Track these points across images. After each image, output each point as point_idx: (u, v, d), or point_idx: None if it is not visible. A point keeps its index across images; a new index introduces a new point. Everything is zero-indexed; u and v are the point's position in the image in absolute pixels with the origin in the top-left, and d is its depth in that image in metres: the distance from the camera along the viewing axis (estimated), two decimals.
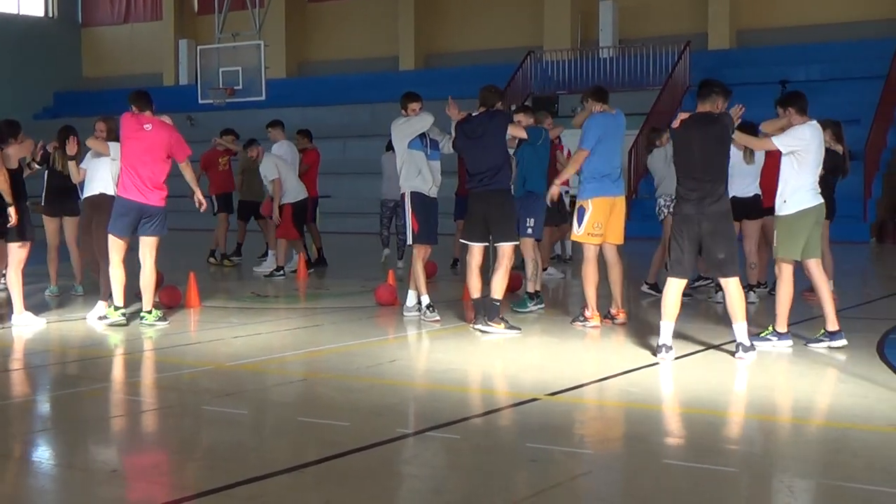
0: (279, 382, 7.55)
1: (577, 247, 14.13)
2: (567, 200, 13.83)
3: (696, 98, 8.25)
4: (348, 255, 18.02)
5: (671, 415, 6.57)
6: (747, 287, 10.22)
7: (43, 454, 5.70)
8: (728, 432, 6.14)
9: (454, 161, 10.75)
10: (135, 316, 9.97)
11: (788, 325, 8.48)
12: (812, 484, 5.03)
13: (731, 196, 8.37)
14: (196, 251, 17.21)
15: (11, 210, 9.57)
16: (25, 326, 9.70)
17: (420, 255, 10.15)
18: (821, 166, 8.59)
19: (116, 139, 10.02)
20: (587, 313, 9.54)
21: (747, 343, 7.94)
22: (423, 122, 10.03)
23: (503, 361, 8.38)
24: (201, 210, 10.12)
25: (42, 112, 34.71)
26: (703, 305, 10.99)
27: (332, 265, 15.67)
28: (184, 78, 33.70)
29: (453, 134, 9.82)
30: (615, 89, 24.09)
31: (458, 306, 10.92)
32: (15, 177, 9.98)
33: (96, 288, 10.46)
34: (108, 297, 9.90)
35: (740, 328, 7.96)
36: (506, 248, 9.51)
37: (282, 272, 14.21)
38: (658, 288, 11.59)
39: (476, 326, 9.33)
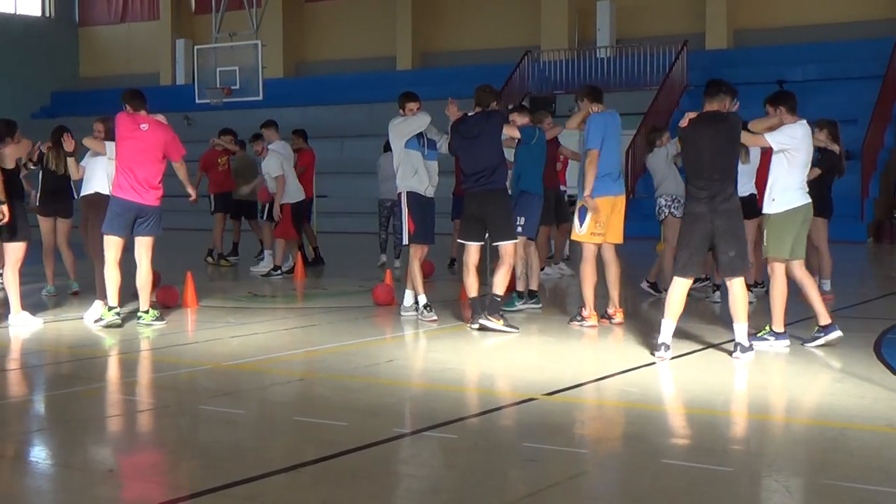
0: (276, 382, 7.55)
1: (574, 246, 14.20)
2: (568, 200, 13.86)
3: (703, 97, 8.20)
4: (346, 255, 18.02)
5: (668, 414, 6.57)
6: None
7: (40, 454, 5.70)
8: (725, 432, 6.14)
9: (452, 160, 10.74)
10: (132, 315, 9.97)
11: (785, 325, 8.49)
12: (809, 483, 5.03)
13: None
14: (193, 251, 17.21)
15: (4, 208, 9.56)
16: (22, 326, 9.69)
17: (417, 254, 10.15)
18: (809, 166, 8.62)
19: (113, 139, 10.00)
20: (585, 313, 9.55)
21: (746, 343, 7.95)
22: (420, 121, 10.03)
23: (500, 361, 8.38)
24: (191, 202, 10.06)
25: (39, 111, 34.69)
26: (700, 305, 10.98)
27: (329, 265, 15.68)
28: (181, 78, 33.67)
29: (451, 136, 9.82)
30: (612, 89, 24.14)
31: (455, 306, 10.92)
32: (11, 177, 9.98)
33: (92, 286, 10.45)
34: (105, 297, 9.87)
35: (740, 328, 7.96)
36: (508, 247, 9.54)
37: (279, 272, 14.22)
38: (657, 287, 11.59)
39: (478, 320, 9.34)
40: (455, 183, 13.87)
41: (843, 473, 5.11)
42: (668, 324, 8.00)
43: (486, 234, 9.79)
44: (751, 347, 7.98)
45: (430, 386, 7.29)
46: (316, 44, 32.99)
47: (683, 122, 8.17)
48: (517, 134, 10.26)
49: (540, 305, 10.77)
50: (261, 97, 23.68)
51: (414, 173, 10.05)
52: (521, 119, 10.81)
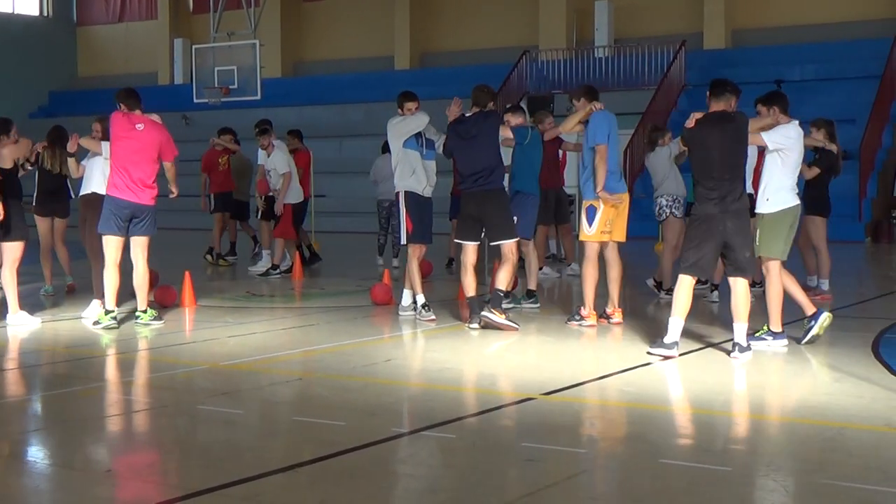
0: (274, 382, 7.54)
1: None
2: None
3: (708, 97, 8.17)
4: (344, 255, 18.01)
5: (667, 414, 6.56)
6: None
7: (38, 453, 5.69)
8: (724, 431, 6.14)
9: (450, 160, 10.73)
10: (130, 315, 9.96)
11: (783, 325, 8.50)
12: (807, 483, 5.02)
13: None
14: (191, 250, 17.21)
15: None
16: (20, 326, 9.68)
17: (416, 254, 10.16)
18: (800, 167, 8.64)
19: (109, 139, 9.98)
20: (584, 312, 9.54)
21: (744, 343, 7.95)
22: (418, 121, 10.04)
23: (499, 361, 8.38)
24: (173, 198, 10.00)
25: (37, 111, 34.69)
26: (699, 304, 10.95)
27: (327, 265, 15.67)
28: (179, 77, 33.66)
29: (447, 136, 9.81)
30: (610, 89, 24.17)
31: (453, 306, 10.92)
32: (9, 176, 9.97)
33: (89, 285, 10.45)
34: (103, 295, 9.86)
35: (740, 328, 7.96)
36: (510, 246, 9.57)
37: (276, 271, 14.22)
38: (661, 287, 11.57)
39: (481, 313, 9.35)
40: (454, 183, 13.86)
41: (841, 473, 5.11)
42: (677, 321, 8.00)
43: (483, 234, 9.81)
44: (749, 347, 7.98)
45: (429, 386, 7.29)
46: (314, 43, 32.98)
47: (690, 123, 8.13)
48: (510, 134, 10.25)
49: (538, 305, 10.77)
50: (259, 97, 23.68)
51: (412, 173, 10.05)
52: (515, 119, 10.81)
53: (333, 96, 30.15)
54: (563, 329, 9.51)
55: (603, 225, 9.41)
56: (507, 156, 10.21)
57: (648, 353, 8.09)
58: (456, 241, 10.27)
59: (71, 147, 10.37)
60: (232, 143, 15.95)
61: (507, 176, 10.18)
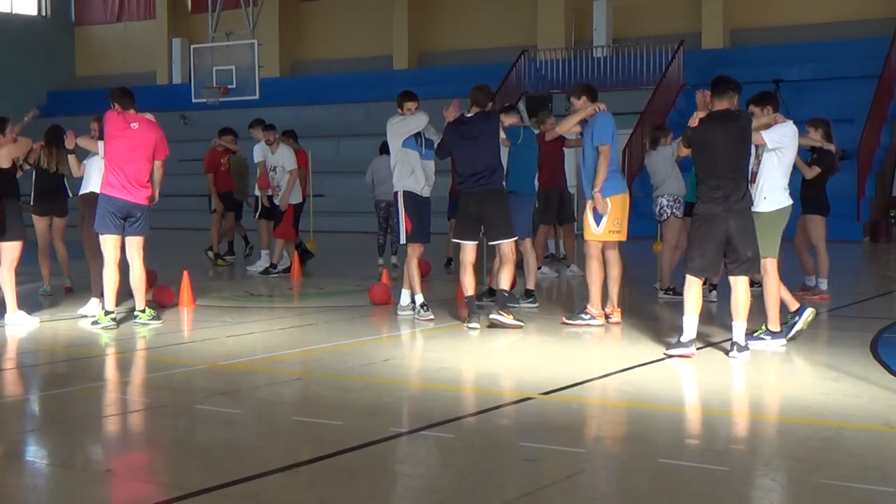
0: (273, 381, 7.54)
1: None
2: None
3: (710, 97, 8.15)
4: (343, 255, 18.01)
5: (665, 414, 6.56)
6: None
7: (36, 453, 5.70)
8: (722, 431, 6.14)
9: (448, 160, 10.73)
10: (129, 315, 9.95)
11: (781, 324, 8.50)
12: (805, 483, 5.03)
13: None
14: (190, 250, 17.20)
15: None
16: (18, 325, 9.67)
17: (415, 253, 10.16)
18: (792, 167, 8.66)
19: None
20: (593, 311, 9.52)
21: (742, 343, 7.95)
22: (418, 121, 10.04)
23: (497, 360, 8.38)
24: (151, 204, 9.93)
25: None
26: None
27: (326, 264, 15.67)
28: (177, 77, 33.63)
29: (445, 136, 9.80)
30: (609, 88, 24.14)
31: (451, 305, 10.92)
32: (6, 176, 9.96)
33: (87, 284, 10.44)
34: (101, 294, 9.85)
35: (739, 327, 7.96)
36: (510, 245, 9.60)
37: (276, 270, 14.23)
38: (675, 291, 11.53)
39: (489, 316, 9.35)
40: (452, 182, 13.85)
41: (839, 473, 5.11)
42: (691, 319, 8.00)
43: (482, 233, 9.82)
44: (747, 347, 7.98)
45: (427, 385, 7.29)
46: (312, 43, 32.96)
47: (693, 122, 8.12)
48: (503, 135, 10.25)
49: (537, 305, 10.77)
50: (257, 96, 23.67)
51: (411, 173, 10.05)
52: (509, 119, 10.80)
53: (332, 96, 30.13)
54: (561, 328, 9.50)
55: (611, 224, 9.41)
56: (503, 156, 10.21)
57: (666, 354, 8.05)
58: (454, 240, 10.27)
59: (69, 143, 10.36)
60: (233, 144, 15.95)
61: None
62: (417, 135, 10.07)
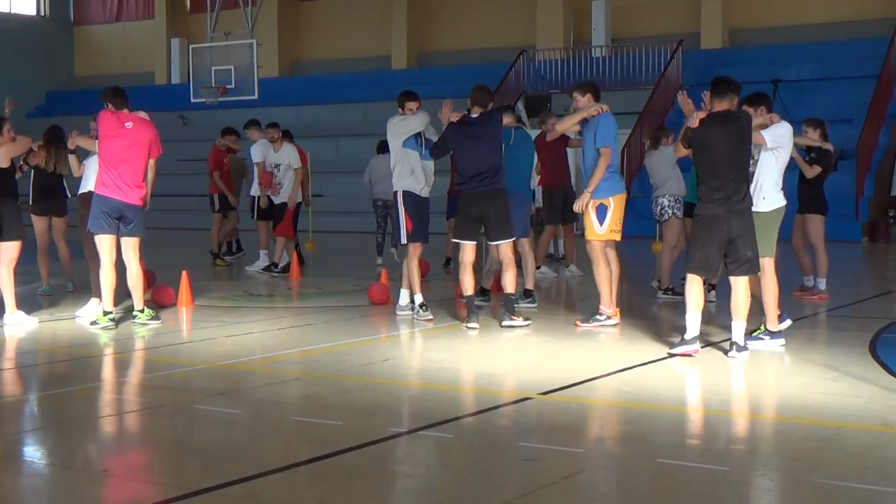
0: (272, 381, 7.54)
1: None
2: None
3: (710, 97, 8.15)
4: (341, 254, 18.01)
5: (664, 413, 6.56)
6: None
7: (35, 453, 5.69)
8: (721, 431, 6.14)
9: (448, 160, 10.73)
10: (128, 315, 9.95)
11: (780, 324, 8.51)
12: (804, 482, 5.02)
13: None
14: (190, 250, 17.19)
15: None
16: (17, 325, 9.67)
17: (415, 253, 10.16)
18: (785, 166, 8.67)
19: None
20: (606, 311, 9.50)
21: (741, 343, 7.95)
22: (419, 121, 10.04)
23: (496, 360, 8.37)
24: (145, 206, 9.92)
25: (34, 111, 34.62)
26: None
27: (325, 264, 15.66)
28: (176, 77, 33.63)
29: (447, 136, 9.79)
30: (608, 88, 24.09)
31: (450, 305, 10.92)
32: (5, 175, 9.95)
33: (88, 285, 10.43)
34: (100, 295, 9.83)
35: (739, 327, 7.96)
36: (509, 246, 9.63)
37: (276, 268, 14.24)
38: (674, 291, 11.53)
39: (503, 324, 9.43)
40: (451, 182, 13.85)
41: (838, 473, 5.11)
42: (694, 317, 8.01)
43: (482, 233, 9.82)
44: (746, 347, 7.99)
45: (426, 385, 7.29)
46: (311, 43, 32.96)
47: (694, 123, 8.12)
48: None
49: (535, 304, 10.76)
50: (256, 96, 23.67)
51: (410, 173, 10.05)
52: (505, 120, 10.79)
53: (331, 96, 30.13)
54: (560, 328, 9.50)
55: (615, 223, 9.43)
56: None
57: (670, 353, 8.06)
58: (454, 240, 10.27)
59: (71, 144, 10.35)
60: (236, 143, 15.94)
61: None
62: (418, 135, 10.07)
